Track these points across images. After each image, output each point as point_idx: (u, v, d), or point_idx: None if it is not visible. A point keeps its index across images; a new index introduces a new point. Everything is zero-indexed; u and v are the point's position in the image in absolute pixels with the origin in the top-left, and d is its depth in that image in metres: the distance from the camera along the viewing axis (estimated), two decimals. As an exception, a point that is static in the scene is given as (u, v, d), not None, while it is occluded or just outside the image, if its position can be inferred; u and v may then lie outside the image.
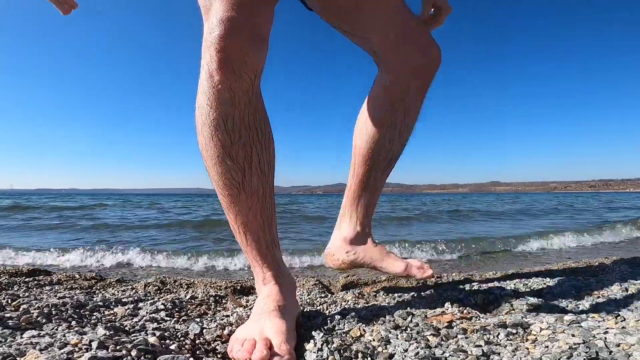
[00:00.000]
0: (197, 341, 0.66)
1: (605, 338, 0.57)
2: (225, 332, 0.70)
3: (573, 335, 0.59)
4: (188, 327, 0.72)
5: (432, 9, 0.97)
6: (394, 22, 0.92)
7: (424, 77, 0.95)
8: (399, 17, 0.92)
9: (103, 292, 1.21)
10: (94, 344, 0.56)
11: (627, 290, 0.90)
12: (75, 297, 0.98)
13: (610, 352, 0.52)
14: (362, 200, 1.02)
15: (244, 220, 0.73)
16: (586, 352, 0.52)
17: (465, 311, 0.78)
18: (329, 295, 1.12)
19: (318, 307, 0.96)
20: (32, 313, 0.76)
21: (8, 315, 0.73)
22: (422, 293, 1.03)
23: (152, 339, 0.61)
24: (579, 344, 0.56)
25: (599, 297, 0.85)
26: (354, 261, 1.03)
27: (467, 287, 1.09)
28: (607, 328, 0.61)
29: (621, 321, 0.64)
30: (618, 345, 0.54)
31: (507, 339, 0.62)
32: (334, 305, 0.98)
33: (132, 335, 0.66)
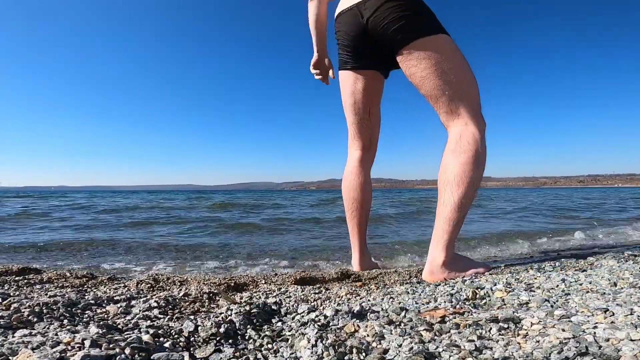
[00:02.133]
0: (192, 339, 0.65)
1: (595, 333, 0.58)
2: (222, 330, 0.70)
3: (563, 330, 0.60)
4: (182, 325, 0.71)
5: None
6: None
7: None
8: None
9: (95, 290, 1.20)
10: (87, 343, 0.56)
11: (615, 285, 0.91)
12: (67, 295, 0.97)
13: (600, 346, 0.53)
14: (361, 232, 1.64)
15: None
16: (576, 347, 0.53)
17: (457, 306, 0.79)
18: (323, 290, 1.12)
19: (312, 303, 0.96)
20: (23, 312, 0.75)
21: (-2, 314, 0.72)
22: (415, 288, 1.04)
23: (145, 337, 0.61)
24: (569, 338, 0.57)
25: (587, 292, 0.86)
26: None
27: (459, 281, 1.11)
28: (597, 323, 0.63)
29: (610, 316, 0.65)
30: (607, 340, 0.55)
31: (499, 334, 0.63)
32: (328, 301, 0.98)
33: (125, 333, 0.65)
